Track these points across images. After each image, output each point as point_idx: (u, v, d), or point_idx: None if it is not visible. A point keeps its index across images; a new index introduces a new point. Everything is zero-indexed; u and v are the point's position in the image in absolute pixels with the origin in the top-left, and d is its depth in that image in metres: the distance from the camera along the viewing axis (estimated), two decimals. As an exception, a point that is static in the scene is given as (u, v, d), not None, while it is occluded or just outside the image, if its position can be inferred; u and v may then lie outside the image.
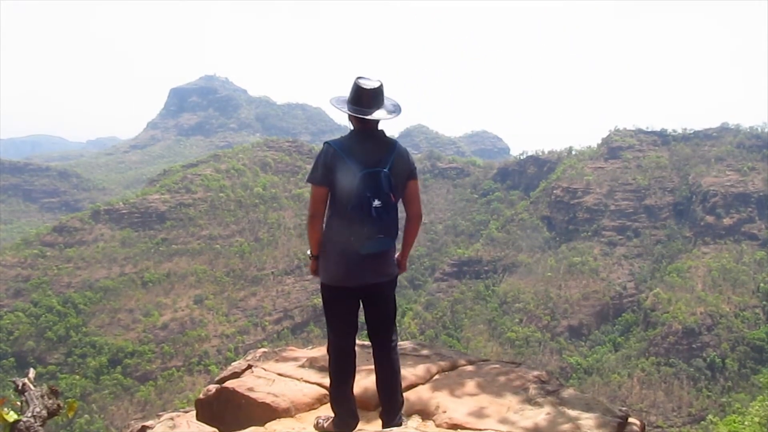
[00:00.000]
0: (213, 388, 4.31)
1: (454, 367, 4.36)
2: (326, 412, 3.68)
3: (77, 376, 60.58)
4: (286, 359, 4.66)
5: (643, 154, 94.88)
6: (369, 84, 3.16)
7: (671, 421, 53.27)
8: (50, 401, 3.23)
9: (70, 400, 3.32)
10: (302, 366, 4.41)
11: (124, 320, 69.74)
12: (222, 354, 67.01)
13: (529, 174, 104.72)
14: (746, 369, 57.37)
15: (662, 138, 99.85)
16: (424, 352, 4.67)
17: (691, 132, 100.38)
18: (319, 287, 3.38)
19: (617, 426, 3.27)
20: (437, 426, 3.47)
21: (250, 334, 72.32)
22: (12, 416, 2.78)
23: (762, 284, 66.14)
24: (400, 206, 3.32)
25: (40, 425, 2.97)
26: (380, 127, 3.27)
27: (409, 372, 4.11)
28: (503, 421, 3.37)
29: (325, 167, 3.10)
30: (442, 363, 4.38)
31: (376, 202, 3.02)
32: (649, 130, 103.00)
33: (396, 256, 3.43)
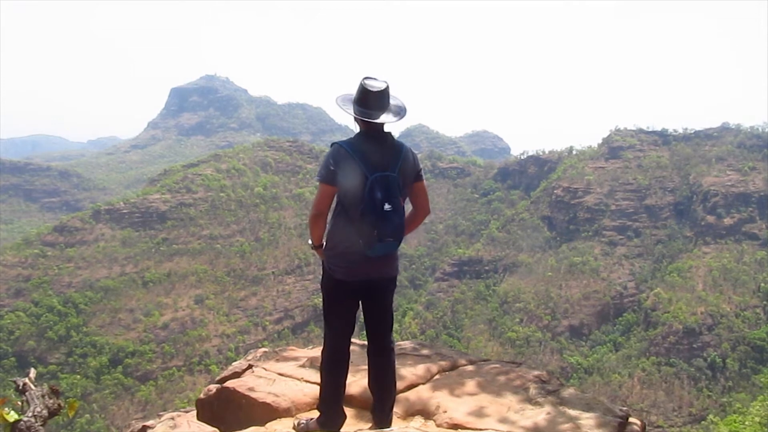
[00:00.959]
0: (213, 387, 4.31)
1: (454, 366, 4.36)
2: None
3: (78, 376, 60.59)
4: (286, 359, 4.66)
5: (643, 154, 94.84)
6: (376, 86, 3.16)
7: (672, 420, 53.26)
8: (51, 401, 3.23)
9: (70, 399, 3.32)
10: (303, 366, 4.41)
11: (124, 320, 69.76)
12: (222, 354, 67.04)
13: (529, 174, 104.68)
14: (747, 369, 57.33)
15: (663, 138, 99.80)
16: (425, 351, 4.67)
17: (692, 132, 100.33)
18: (320, 285, 3.40)
19: (618, 426, 3.27)
20: (438, 426, 3.47)
21: (250, 333, 72.34)
22: (13, 416, 2.78)
23: (763, 284, 66.07)
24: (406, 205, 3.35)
25: (41, 425, 2.97)
26: (386, 128, 3.28)
27: (409, 372, 4.12)
28: (503, 420, 3.38)
29: (336, 167, 3.10)
30: (442, 363, 4.38)
31: (387, 206, 3.03)
32: (650, 129, 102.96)
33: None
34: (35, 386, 3.31)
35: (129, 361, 63.82)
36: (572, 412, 3.42)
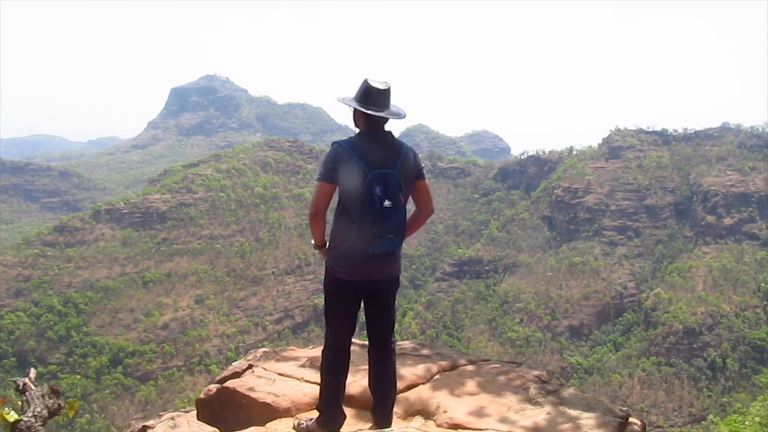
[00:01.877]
0: (214, 387, 4.31)
1: (454, 366, 4.36)
2: None
3: (78, 376, 60.56)
4: (286, 359, 4.66)
5: (643, 154, 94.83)
6: (379, 84, 3.20)
7: (672, 421, 53.27)
8: (51, 401, 3.23)
9: (70, 399, 3.32)
10: (303, 366, 4.41)
11: (124, 320, 69.76)
12: (223, 354, 67.05)
13: (529, 174, 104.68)
14: (747, 369, 57.34)
15: (663, 138, 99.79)
16: (425, 351, 4.67)
17: (692, 132, 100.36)
18: (322, 285, 3.41)
19: (618, 426, 3.27)
20: (438, 426, 3.47)
21: (250, 333, 72.34)
22: (13, 416, 2.78)
23: (763, 284, 66.08)
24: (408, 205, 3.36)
25: (41, 425, 2.97)
26: (386, 128, 3.30)
27: (409, 372, 4.12)
28: (504, 420, 3.38)
29: (335, 165, 3.12)
30: (442, 363, 4.38)
31: (387, 203, 3.05)
32: (650, 129, 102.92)
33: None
34: (35, 386, 3.31)
35: (129, 361, 63.83)
36: (572, 412, 3.42)
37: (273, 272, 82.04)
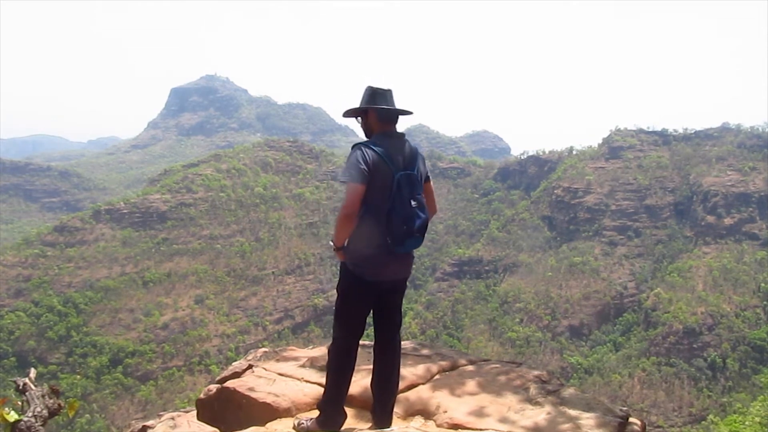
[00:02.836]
0: (214, 387, 4.31)
1: (454, 366, 4.37)
2: None
3: (78, 376, 60.57)
4: (286, 359, 4.66)
5: (644, 154, 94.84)
6: (383, 87, 3.33)
7: (672, 421, 53.27)
8: (51, 401, 3.23)
9: (70, 399, 3.33)
10: (303, 366, 4.41)
11: (124, 320, 69.77)
12: (223, 354, 67.05)
13: (529, 174, 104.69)
14: (747, 369, 57.34)
15: (663, 138, 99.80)
16: (425, 351, 4.67)
17: (692, 132, 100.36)
18: (336, 287, 3.41)
19: (618, 426, 3.27)
20: (438, 426, 3.47)
21: (250, 333, 72.35)
22: (13, 416, 2.78)
23: (763, 284, 66.08)
24: None
25: (41, 425, 2.97)
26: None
27: (409, 372, 4.11)
28: (504, 420, 3.38)
29: (367, 167, 3.13)
30: (442, 363, 4.38)
31: (413, 203, 3.15)
32: (650, 129, 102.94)
33: None
34: (35, 386, 3.31)
35: (129, 361, 63.83)
36: (572, 412, 3.42)
37: (273, 272, 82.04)
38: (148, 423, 4.71)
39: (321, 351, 4.66)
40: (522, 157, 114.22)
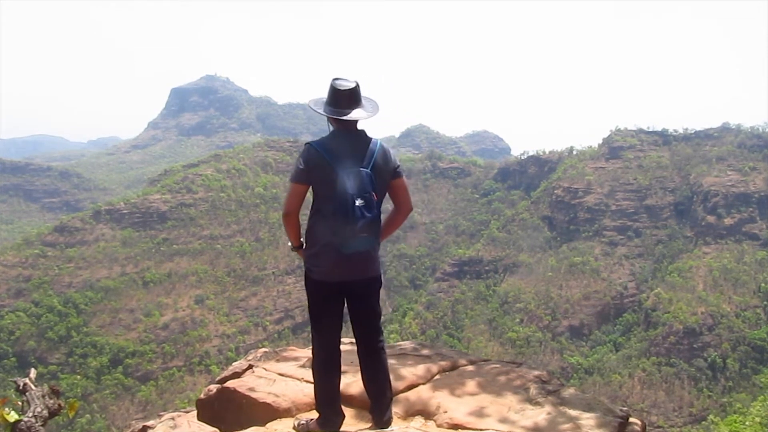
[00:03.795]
0: (214, 388, 4.31)
1: (454, 367, 4.36)
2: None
3: (78, 376, 60.60)
4: (286, 359, 4.67)
5: (644, 154, 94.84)
6: (345, 85, 3.22)
7: (672, 421, 53.27)
8: (51, 401, 3.23)
9: (71, 400, 3.33)
10: (303, 366, 4.41)
11: (125, 320, 69.78)
12: (223, 354, 67.06)
13: (530, 174, 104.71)
14: (747, 369, 57.35)
15: (663, 138, 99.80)
16: (425, 351, 4.67)
17: (692, 132, 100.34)
18: (304, 286, 3.40)
19: (618, 426, 3.27)
20: (438, 426, 3.47)
21: (251, 334, 72.36)
22: (13, 416, 2.78)
23: (763, 284, 66.09)
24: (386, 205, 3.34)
25: (41, 425, 2.97)
26: (360, 126, 3.31)
27: (409, 372, 4.12)
28: (504, 420, 3.38)
29: (306, 166, 3.15)
30: (442, 363, 4.38)
31: (359, 201, 3.05)
32: (650, 129, 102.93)
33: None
34: (35, 386, 3.31)
35: (129, 361, 63.84)
36: (572, 412, 3.42)
37: (273, 272, 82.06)
38: (149, 423, 4.71)
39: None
40: (522, 157, 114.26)
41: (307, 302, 3.43)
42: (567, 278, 75.71)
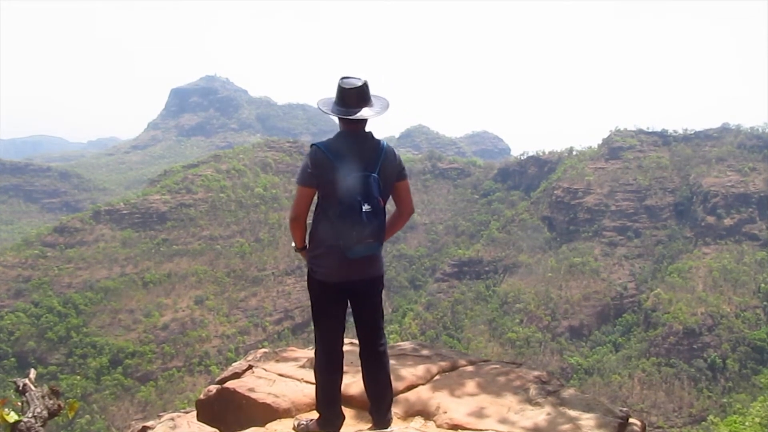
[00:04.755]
0: (214, 388, 4.31)
1: (454, 367, 4.36)
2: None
3: (78, 377, 60.57)
4: (286, 359, 4.67)
5: (643, 155, 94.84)
6: (352, 83, 3.14)
7: (672, 421, 53.22)
8: (51, 402, 3.23)
9: (70, 400, 3.33)
10: (303, 366, 4.42)
11: (124, 321, 69.76)
12: (223, 354, 67.03)
13: (529, 174, 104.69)
14: (747, 369, 57.34)
15: (663, 138, 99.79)
16: (425, 352, 4.67)
17: (692, 132, 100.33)
18: (307, 286, 3.39)
19: (618, 426, 3.27)
20: (438, 426, 3.47)
21: (250, 334, 72.34)
22: (13, 417, 2.78)
23: (763, 285, 66.07)
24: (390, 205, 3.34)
25: (41, 425, 2.97)
26: (368, 128, 3.25)
27: (409, 372, 4.12)
28: (503, 421, 3.38)
29: (314, 169, 3.09)
30: (442, 363, 4.38)
31: (366, 207, 3.00)
32: (650, 130, 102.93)
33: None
34: (35, 387, 3.31)
35: (129, 361, 63.81)
36: (572, 413, 3.42)
37: (273, 273, 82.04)
38: (148, 423, 4.70)
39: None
40: (522, 158, 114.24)
41: (309, 303, 3.43)
42: (567, 279, 75.69)
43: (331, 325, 3.35)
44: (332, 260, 3.15)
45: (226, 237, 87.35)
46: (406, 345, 4.89)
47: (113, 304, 71.35)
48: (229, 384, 4.20)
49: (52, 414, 3.17)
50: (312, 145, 3.16)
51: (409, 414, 3.68)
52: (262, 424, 3.71)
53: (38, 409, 3.07)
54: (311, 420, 3.50)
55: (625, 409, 3.60)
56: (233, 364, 4.76)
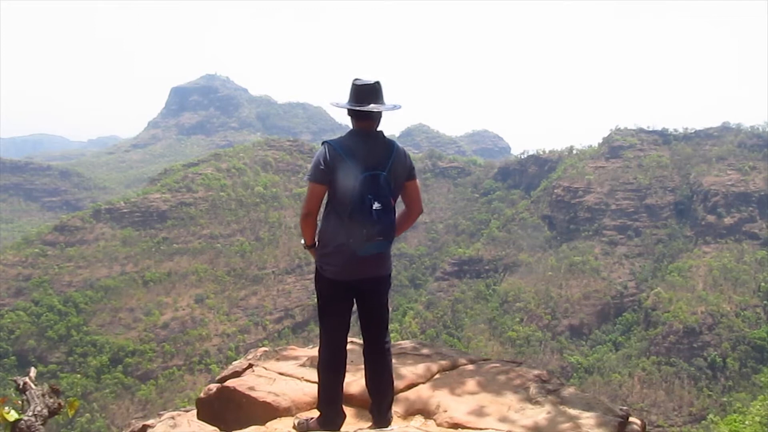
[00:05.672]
0: (214, 387, 4.31)
1: (454, 366, 4.36)
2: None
3: (78, 375, 60.64)
4: (286, 358, 4.67)
5: (644, 154, 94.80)
6: (366, 81, 3.17)
7: (672, 420, 53.28)
8: (51, 400, 3.23)
9: (71, 399, 3.33)
10: (303, 365, 4.41)
11: (125, 319, 69.80)
12: (223, 353, 67.06)
13: (530, 173, 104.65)
14: (747, 368, 57.35)
15: (663, 137, 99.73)
16: (425, 351, 4.67)
17: (692, 131, 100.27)
18: (314, 284, 3.40)
19: (618, 425, 3.27)
20: (438, 425, 3.47)
21: (250, 333, 72.37)
22: (13, 415, 2.79)
23: (763, 284, 66.08)
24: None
25: (41, 424, 2.98)
26: (379, 127, 3.27)
27: (409, 371, 4.12)
28: (504, 420, 3.38)
29: (326, 167, 3.09)
30: (442, 362, 4.38)
31: (377, 205, 3.02)
32: (650, 129, 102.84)
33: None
34: (35, 385, 3.31)
35: (129, 360, 63.86)
36: (572, 412, 3.42)
37: (273, 272, 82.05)
38: (149, 422, 4.71)
39: (317, 350, 4.66)
40: (522, 157, 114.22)
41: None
42: (567, 277, 75.71)
43: (336, 324, 3.36)
44: (341, 259, 3.15)
45: (227, 236, 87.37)
46: (407, 344, 4.89)
47: (113, 303, 71.39)
48: (230, 383, 4.20)
49: (53, 412, 3.18)
50: (324, 143, 3.18)
51: (410, 413, 3.68)
52: (263, 422, 3.71)
53: (38, 408, 3.07)
54: (312, 418, 3.50)
55: (625, 407, 3.60)
56: (233, 362, 4.76)
